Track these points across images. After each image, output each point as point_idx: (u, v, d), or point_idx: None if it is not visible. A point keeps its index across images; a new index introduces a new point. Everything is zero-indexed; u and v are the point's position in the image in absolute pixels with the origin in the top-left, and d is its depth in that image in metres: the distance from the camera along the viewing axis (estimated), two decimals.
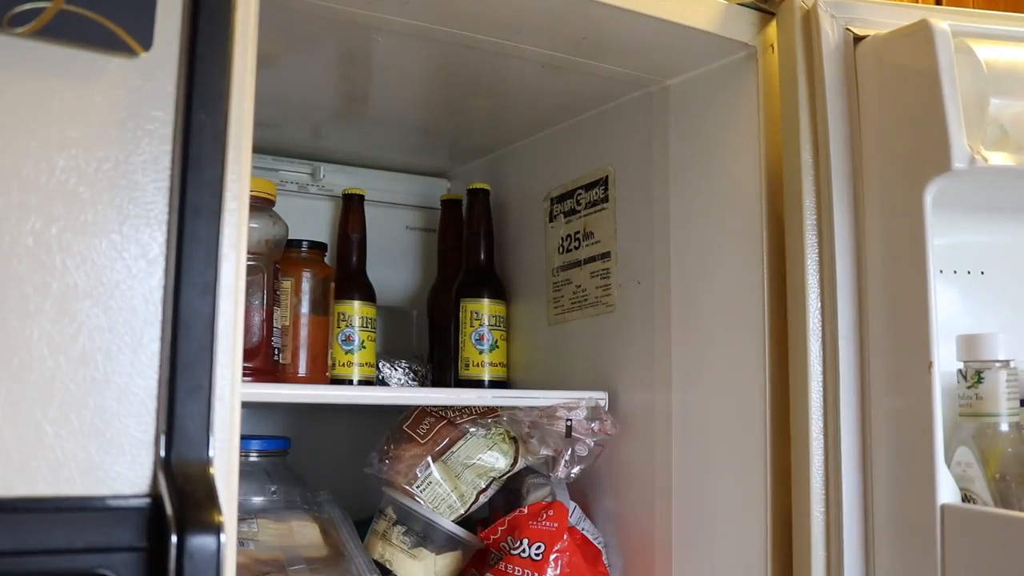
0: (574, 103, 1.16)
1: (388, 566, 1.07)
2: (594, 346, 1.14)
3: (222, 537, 0.51)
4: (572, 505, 1.07)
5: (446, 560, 1.07)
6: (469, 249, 1.24)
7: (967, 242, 0.96)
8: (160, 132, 0.57)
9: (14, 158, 0.53)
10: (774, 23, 0.94)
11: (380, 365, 1.24)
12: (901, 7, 0.92)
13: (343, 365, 1.13)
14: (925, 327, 0.80)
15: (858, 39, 0.89)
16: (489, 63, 1.01)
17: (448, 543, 1.07)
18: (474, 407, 1.10)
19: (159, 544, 0.52)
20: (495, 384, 1.19)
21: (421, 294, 1.38)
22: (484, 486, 1.09)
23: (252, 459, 1.08)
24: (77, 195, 0.55)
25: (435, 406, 1.11)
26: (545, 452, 1.05)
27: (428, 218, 1.44)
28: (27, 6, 0.52)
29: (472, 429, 1.09)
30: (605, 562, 1.07)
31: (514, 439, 1.09)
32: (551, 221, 1.23)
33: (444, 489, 1.07)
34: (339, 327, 1.13)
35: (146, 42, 0.56)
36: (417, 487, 1.07)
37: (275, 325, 1.08)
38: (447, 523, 1.07)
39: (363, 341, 1.14)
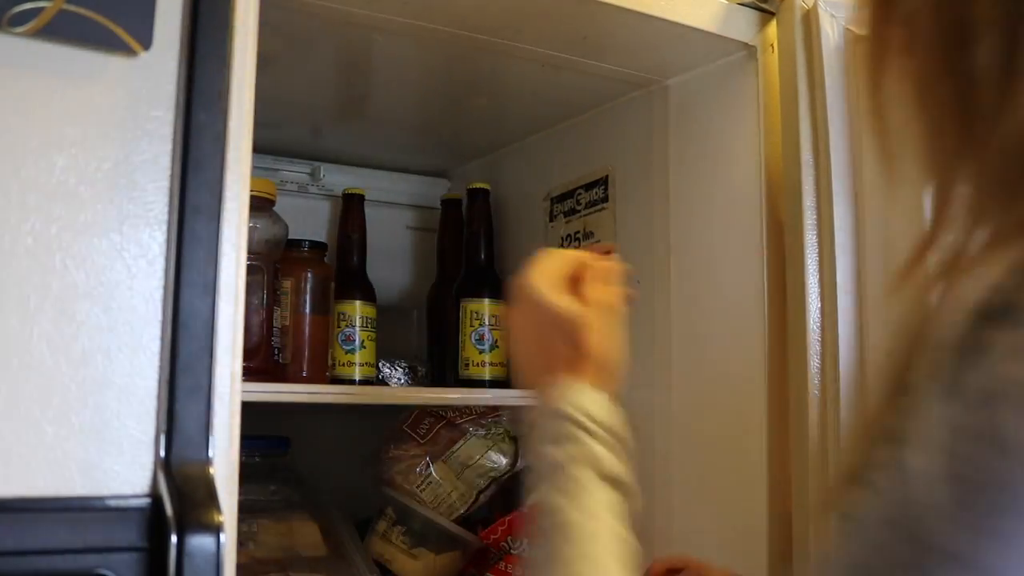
0: (574, 103, 1.16)
1: (388, 566, 1.07)
2: None
3: (222, 537, 0.51)
4: None
5: (446, 560, 1.07)
6: (469, 249, 1.24)
7: None
8: (160, 132, 0.57)
9: (14, 158, 0.53)
10: (774, 23, 0.94)
11: (380, 365, 1.24)
12: None
13: (343, 365, 1.13)
14: None
15: (858, 38, 0.89)
16: (489, 63, 1.01)
17: (448, 543, 1.07)
18: (474, 407, 1.10)
19: (159, 544, 0.52)
20: (495, 384, 1.19)
21: (421, 294, 1.38)
22: (484, 486, 1.09)
23: (252, 459, 1.08)
24: (77, 195, 0.55)
25: (435, 406, 1.11)
26: None
27: (428, 218, 1.44)
28: (27, 6, 0.52)
29: (472, 429, 1.09)
30: None
31: (514, 439, 1.09)
32: (551, 221, 1.23)
33: (444, 489, 1.07)
34: (339, 327, 1.13)
35: (146, 42, 0.56)
36: (417, 487, 1.07)
37: (275, 325, 1.08)
38: (447, 523, 1.07)
39: (363, 341, 1.14)
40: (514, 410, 1.07)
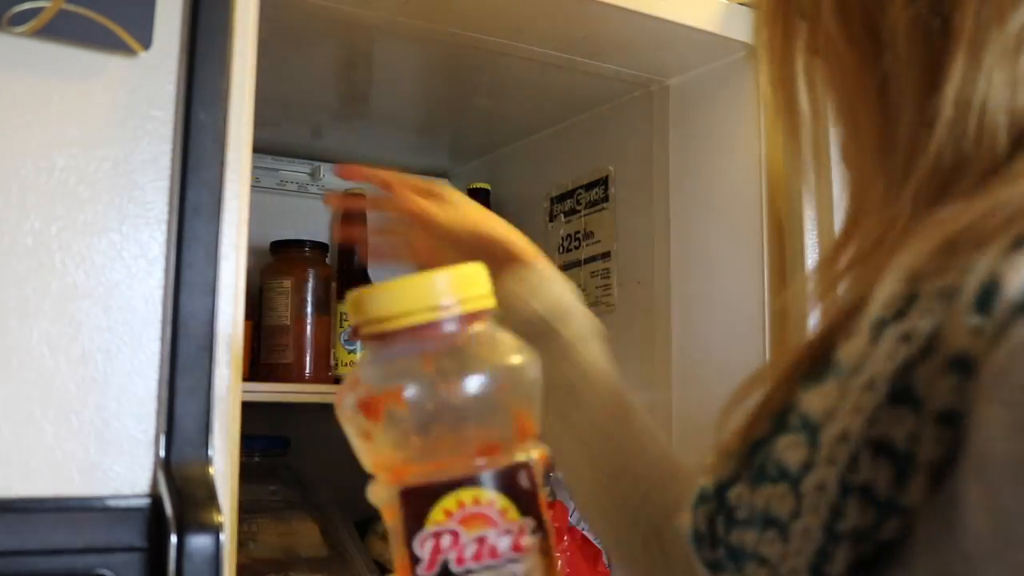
0: (574, 103, 1.16)
1: (388, 566, 1.07)
2: None
3: (222, 537, 0.51)
4: (572, 505, 1.07)
5: None
6: None
7: None
8: (160, 132, 0.57)
9: (14, 158, 0.53)
10: None
11: None
12: None
13: (346, 364, 1.13)
14: None
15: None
16: (489, 63, 1.01)
17: None
18: None
19: (159, 544, 0.52)
20: None
21: None
22: None
23: (252, 459, 1.08)
24: (77, 195, 0.55)
25: None
26: None
27: None
28: (27, 5, 0.52)
29: None
30: (605, 562, 1.07)
31: None
32: (551, 221, 1.23)
33: None
34: (341, 327, 1.13)
35: (146, 41, 0.56)
36: None
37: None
38: None
39: None
40: None
